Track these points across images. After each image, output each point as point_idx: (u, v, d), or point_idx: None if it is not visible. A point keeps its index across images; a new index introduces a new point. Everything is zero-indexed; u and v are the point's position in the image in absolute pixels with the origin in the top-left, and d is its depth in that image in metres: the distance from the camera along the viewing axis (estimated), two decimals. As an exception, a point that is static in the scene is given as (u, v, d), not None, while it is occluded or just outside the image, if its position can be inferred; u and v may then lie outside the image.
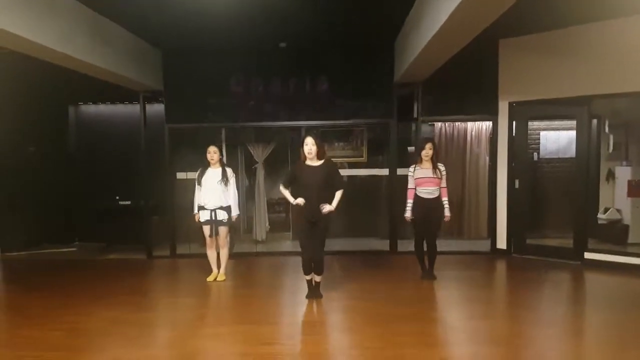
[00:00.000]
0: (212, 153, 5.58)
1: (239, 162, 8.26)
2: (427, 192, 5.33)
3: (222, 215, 5.54)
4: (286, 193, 4.77)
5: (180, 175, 7.32)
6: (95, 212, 7.91)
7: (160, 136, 7.13)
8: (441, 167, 5.41)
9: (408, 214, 5.44)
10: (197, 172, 5.67)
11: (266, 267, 6.67)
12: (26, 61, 5.26)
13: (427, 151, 5.32)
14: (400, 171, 7.07)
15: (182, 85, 7.11)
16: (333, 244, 7.19)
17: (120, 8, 5.28)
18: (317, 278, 4.86)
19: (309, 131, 4.95)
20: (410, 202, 5.42)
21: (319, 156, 4.59)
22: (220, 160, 5.67)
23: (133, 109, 7.95)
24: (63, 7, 4.70)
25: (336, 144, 8.01)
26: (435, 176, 5.31)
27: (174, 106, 7.12)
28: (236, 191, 5.69)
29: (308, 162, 4.61)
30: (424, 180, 5.33)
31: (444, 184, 5.38)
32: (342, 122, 7.26)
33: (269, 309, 4.73)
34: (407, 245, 7.08)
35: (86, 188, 8.04)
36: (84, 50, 5.03)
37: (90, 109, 8.41)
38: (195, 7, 5.14)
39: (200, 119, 7.12)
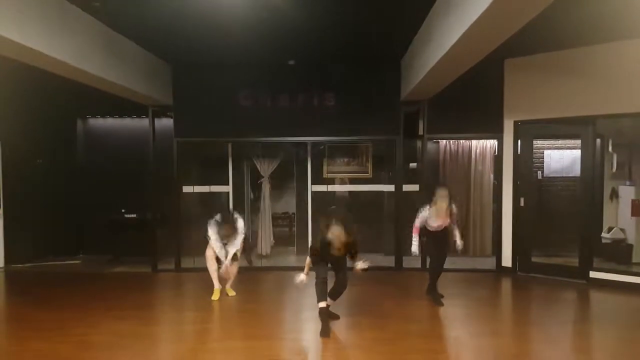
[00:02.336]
0: (228, 229, 5.44)
1: (244, 177, 8.32)
2: (437, 226, 5.25)
3: (232, 250, 5.54)
4: (308, 264, 4.56)
5: (187, 188, 7.37)
6: (101, 224, 7.91)
7: (168, 150, 7.19)
8: (454, 208, 5.25)
9: (415, 250, 5.26)
10: (212, 228, 5.52)
11: (271, 281, 6.68)
12: (34, 74, 5.32)
13: (444, 200, 5.11)
14: (406, 187, 7.13)
15: (191, 99, 7.20)
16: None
17: (133, 24, 5.39)
18: (329, 301, 4.54)
19: (338, 220, 4.27)
20: (416, 237, 5.29)
21: (347, 247, 4.27)
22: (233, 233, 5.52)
23: (140, 122, 8.05)
24: (79, 23, 4.80)
25: (341, 159, 8.07)
26: (447, 218, 5.20)
27: (182, 120, 7.20)
28: (241, 238, 5.59)
29: (333, 250, 4.27)
30: (436, 226, 5.23)
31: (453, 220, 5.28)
32: (348, 138, 7.34)
33: (275, 324, 4.74)
34: (412, 262, 7.11)
35: (92, 200, 8.09)
36: (98, 66, 5.12)
37: (99, 122, 8.49)
38: (206, 24, 5.25)
39: (208, 134, 7.20)
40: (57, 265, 7.66)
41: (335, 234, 4.20)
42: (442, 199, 5.14)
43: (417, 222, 5.28)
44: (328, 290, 4.49)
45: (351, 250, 4.37)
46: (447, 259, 5.48)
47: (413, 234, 5.29)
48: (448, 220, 5.23)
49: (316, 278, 4.41)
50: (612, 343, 4.26)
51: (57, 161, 8.17)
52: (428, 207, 5.23)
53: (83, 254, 8.22)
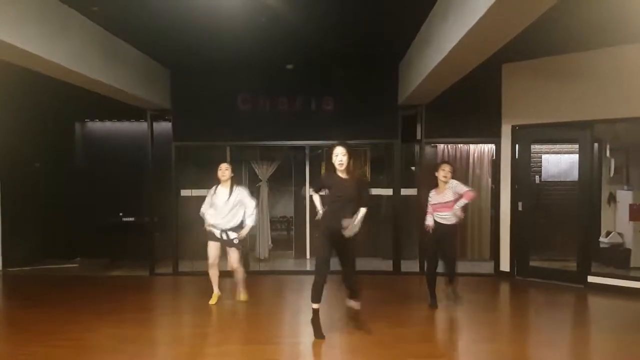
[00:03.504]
0: (224, 170, 5.41)
1: (243, 180, 8.30)
2: (443, 217, 5.17)
3: (232, 236, 5.38)
4: (316, 199, 4.47)
5: (185, 192, 7.37)
6: (98, 228, 7.90)
7: (166, 154, 7.18)
8: (453, 183, 5.13)
9: (430, 222, 5.26)
10: (210, 190, 5.54)
11: (269, 285, 6.66)
12: (33, 77, 5.33)
13: (447, 173, 5.10)
14: (404, 191, 7.14)
15: (189, 103, 7.20)
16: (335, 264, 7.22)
17: (132, 29, 5.40)
18: (354, 304, 4.47)
19: (341, 142, 4.38)
20: (430, 216, 5.29)
21: (349, 169, 4.25)
22: (232, 179, 5.46)
23: (139, 126, 8.03)
24: (77, 26, 4.80)
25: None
26: (451, 200, 5.11)
27: (181, 124, 7.19)
28: (253, 206, 5.42)
29: (340, 174, 4.27)
30: (440, 205, 5.19)
31: (462, 189, 5.07)
32: (346, 142, 7.33)
33: (273, 327, 4.73)
34: (410, 266, 7.12)
35: (90, 204, 8.05)
36: (96, 69, 5.12)
37: (97, 126, 8.49)
38: (204, 28, 5.25)
39: (207, 137, 7.20)
40: (54, 269, 7.63)
41: (338, 151, 4.21)
42: (446, 172, 5.09)
43: (429, 207, 5.29)
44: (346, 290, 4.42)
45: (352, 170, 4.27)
46: (441, 262, 5.38)
47: (427, 215, 5.29)
48: (453, 203, 5.09)
49: (314, 277, 4.31)
50: (610, 347, 4.26)
51: (55, 164, 8.15)
52: (433, 191, 5.25)
53: (80, 257, 8.17)
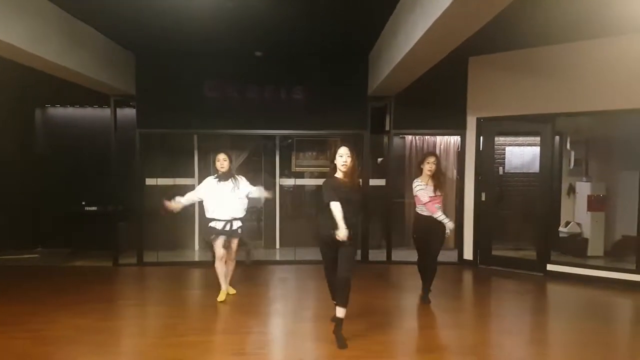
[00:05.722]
0: (222, 160, 5.11)
1: (211, 169, 8.20)
2: (429, 201, 4.92)
3: (237, 225, 5.18)
4: (338, 212, 3.88)
5: (150, 181, 7.22)
6: (60, 217, 7.66)
7: (130, 141, 7.01)
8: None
9: (451, 225, 4.88)
10: (205, 181, 5.24)
11: (238, 275, 6.61)
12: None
13: (432, 166, 4.91)
14: (372, 182, 7.21)
15: (154, 89, 7.01)
16: (310, 254, 7.28)
17: (93, 10, 5.20)
18: (338, 312, 3.98)
19: (343, 141, 4.15)
20: (420, 207, 5.01)
21: (352, 172, 4.01)
22: (230, 170, 5.21)
23: (102, 112, 7.81)
24: (35, 7, 4.61)
25: (310, 153, 8.07)
26: (437, 194, 4.93)
27: (145, 111, 7.01)
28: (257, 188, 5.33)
29: (340, 178, 4.02)
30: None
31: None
32: (316, 131, 7.34)
33: (241, 318, 4.70)
34: (376, 255, 7.21)
35: (51, 192, 7.80)
36: (55, 52, 4.93)
37: (58, 111, 8.19)
38: (171, 11, 5.11)
39: (173, 125, 7.04)
40: (13, 259, 7.37)
41: (343, 152, 3.97)
42: (430, 165, 4.91)
43: (424, 198, 4.89)
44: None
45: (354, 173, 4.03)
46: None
47: (436, 213, 4.85)
48: (438, 198, 4.93)
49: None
50: (566, 333, 4.43)
51: (14, 151, 7.83)
52: (418, 180, 4.99)
53: (41, 247, 7.93)
